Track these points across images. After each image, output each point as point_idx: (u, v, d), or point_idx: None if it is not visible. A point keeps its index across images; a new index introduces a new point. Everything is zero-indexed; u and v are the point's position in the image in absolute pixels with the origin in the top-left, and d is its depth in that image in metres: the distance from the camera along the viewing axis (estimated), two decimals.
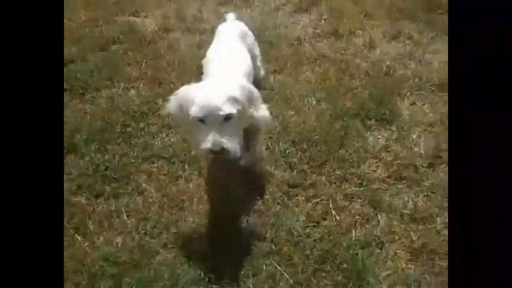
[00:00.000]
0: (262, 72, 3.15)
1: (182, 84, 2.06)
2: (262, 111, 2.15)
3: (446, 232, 2.01)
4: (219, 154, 1.88)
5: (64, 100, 3.02)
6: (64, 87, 3.12)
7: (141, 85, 3.20)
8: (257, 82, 2.73)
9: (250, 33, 2.94)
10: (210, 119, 1.85)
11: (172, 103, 2.01)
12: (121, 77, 3.30)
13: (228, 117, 1.86)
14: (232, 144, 1.89)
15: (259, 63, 3.05)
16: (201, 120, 1.87)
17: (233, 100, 1.89)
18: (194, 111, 1.87)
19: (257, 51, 3.02)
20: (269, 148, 2.58)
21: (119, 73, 3.34)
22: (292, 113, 2.83)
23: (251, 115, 2.02)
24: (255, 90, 2.06)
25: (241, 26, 2.88)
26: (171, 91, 2.19)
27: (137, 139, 2.69)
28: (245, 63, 2.47)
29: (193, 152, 2.42)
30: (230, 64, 2.35)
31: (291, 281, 1.88)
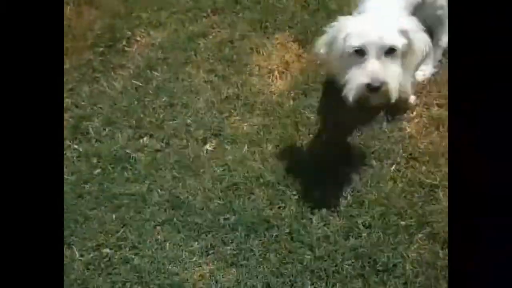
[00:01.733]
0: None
1: None
2: None
3: None
4: (375, 93, 1.58)
5: None
6: None
7: None
8: None
9: None
10: (370, 49, 1.56)
11: (324, 38, 1.74)
12: None
13: (391, 50, 1.58)
14: (394, 81, 1.58)
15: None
16: (359, 52, 1.59)
17: (399, 31, 1.60)
18: (350, 40, 1.59)
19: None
20: None
21: None
22: None
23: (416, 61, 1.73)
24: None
25: None
26: None
27: None
28: None
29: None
30: None
31: None
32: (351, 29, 1.62)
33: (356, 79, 1.58)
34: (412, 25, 1.66)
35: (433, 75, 2.32)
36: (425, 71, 2.30)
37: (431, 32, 2.18)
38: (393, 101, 1.63)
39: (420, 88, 2.31)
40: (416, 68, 1.89)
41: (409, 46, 1.64)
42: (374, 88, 1.55)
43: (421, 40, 1.68)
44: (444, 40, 2.24)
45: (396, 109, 2.20)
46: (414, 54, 1.68)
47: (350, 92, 1.62)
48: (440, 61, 2.30)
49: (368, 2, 1.89)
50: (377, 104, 1.78)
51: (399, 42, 1.58)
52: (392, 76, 1.58)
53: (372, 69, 1.55)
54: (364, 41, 1.56)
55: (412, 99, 2.23)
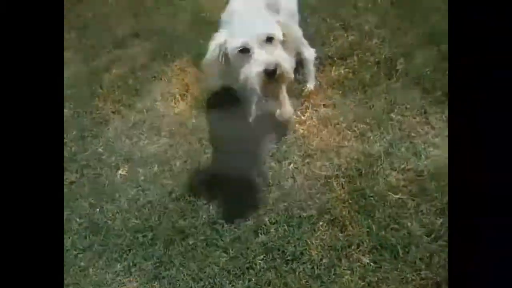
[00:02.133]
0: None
1: None
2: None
3: None
4: (273, 77, 1.66)
5: None
6: None
7: None
8: None
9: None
10: (252, 43, 1.67)
11: (209, 53, 1.82)
12: None
13: (270, 39, 1.70)
14: (284, 62, 1.69)
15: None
16: (243, 51, 1.70)
17: (276, 22, 1.75)
18: (231, 44, 1.71)
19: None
20: None
21: None
22: None
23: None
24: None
25: None
26: None
27: None
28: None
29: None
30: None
31: None
32: (228, 36, 1.75)
33: (251, 71, 1.67)
34: (283, 18, 1.86)
35: (316, 79, 2.61)
36: (310, 85, 2.60)
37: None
38: (291, 78, 1.77)
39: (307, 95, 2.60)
40: (294, 54, 2.06)
41: (286, 35, 1.79)
42: (270, 72, 1.65)
43: (295, 28, 1.92)
44: (307, 54, 2.53)
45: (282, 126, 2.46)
46: (292, 40, 1.84)
47: (253, 84, 1.69)
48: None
49: (234, 3, 2.05)
50: (275, 90, 1.99)
51: (275, 30, 1.73)
52: (282, 58, 1.69)
53: (262, 57, 1.65)
54: (244, 39, 1.68)
55: (290, 113, 2.41)
